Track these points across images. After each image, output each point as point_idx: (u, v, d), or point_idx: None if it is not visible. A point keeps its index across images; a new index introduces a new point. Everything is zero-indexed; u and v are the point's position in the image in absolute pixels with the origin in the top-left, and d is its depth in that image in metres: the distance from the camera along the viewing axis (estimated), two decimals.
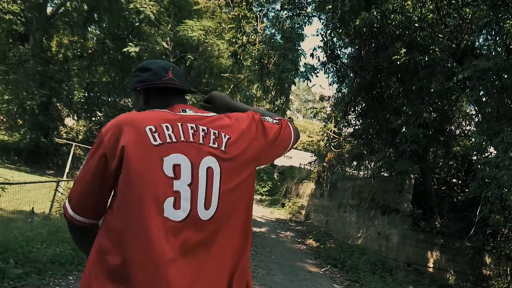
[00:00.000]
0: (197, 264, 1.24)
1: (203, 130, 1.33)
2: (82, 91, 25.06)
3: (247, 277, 1.40)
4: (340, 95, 12.97)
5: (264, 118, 1.50)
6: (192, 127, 1.32)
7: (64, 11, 23.76)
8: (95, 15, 24.54)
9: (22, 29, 20.01)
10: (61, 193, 9.06)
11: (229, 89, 23.33)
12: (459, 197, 9.80)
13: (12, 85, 20.27)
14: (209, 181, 1.28)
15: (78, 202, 1.33)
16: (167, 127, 1.29)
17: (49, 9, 23.44)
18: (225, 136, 1.34)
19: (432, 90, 9.79)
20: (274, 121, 1.53)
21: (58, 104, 24.15)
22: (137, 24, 22.68)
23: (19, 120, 22.10)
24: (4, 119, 23.73)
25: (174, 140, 1.28)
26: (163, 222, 1.21)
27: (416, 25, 9.05)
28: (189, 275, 1.21)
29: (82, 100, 25.32)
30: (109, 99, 26.25)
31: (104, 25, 25.21)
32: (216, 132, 1.34)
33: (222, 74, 22.19)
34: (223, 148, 1.32)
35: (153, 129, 1.27)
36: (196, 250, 1.24)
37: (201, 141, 1.31)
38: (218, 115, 1.42)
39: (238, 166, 1.34)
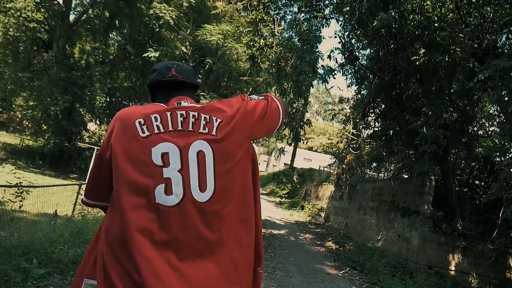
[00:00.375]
0: (196, 246, 1.28)
1: (193, 116, 1.37)
2: (104, 96, 25.62)
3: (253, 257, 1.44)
4: (359, 96, 12.89)
5: (250, 97, 1.54)
6: (181, 115, 1.37)
7: (86, 18, 24.31)
8: (116, 21, 25.04)
9: (46, 37, 20.52)
10: (82, 198, 9.24)
11: (248, 92, 23.43)
12: (482, 199, 9.61)
13: (37, 91, 20.78)
14: (201, 164, 1.32)
15: (86, 188, 1.54)
16: (155, 118, 1.35)
17: (71, 17, 24.04)
18: (216, 120, 1.38)
19: (452, 91, 9.64)
20: (261, 98, 1.57)
21: (81, 109, 24.67)
22: (157, 29, 23.02)
23: (43, 126, 22.64)
24: (29, 125, 24.35)
25: (162, 130, 1.34)
26: (155, 208, 1.27)
27: (436, 25, 8.94)
28: (185, 258, 1.26)
29: (104, 105, 25.86)
30: (130, 104, 26.67)
31: (125, 31, 25.69)
32: (207, 117, 1.37)
33: (241, 78, 22.30)
34: (214, 132, 1.35)
35: (142, 122, 1.34)
36: (195, 232, 1.28)
37: (190, 128, 1.35)
38: (211, 102, 1.46)
39: (231, 146, 1.37)
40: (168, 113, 1.37)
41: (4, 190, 7.02)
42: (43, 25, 19.38)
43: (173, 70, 1.52)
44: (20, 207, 7.13)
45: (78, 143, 23.25)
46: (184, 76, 1.53)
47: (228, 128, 1.37)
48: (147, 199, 1.28)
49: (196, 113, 1.38)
